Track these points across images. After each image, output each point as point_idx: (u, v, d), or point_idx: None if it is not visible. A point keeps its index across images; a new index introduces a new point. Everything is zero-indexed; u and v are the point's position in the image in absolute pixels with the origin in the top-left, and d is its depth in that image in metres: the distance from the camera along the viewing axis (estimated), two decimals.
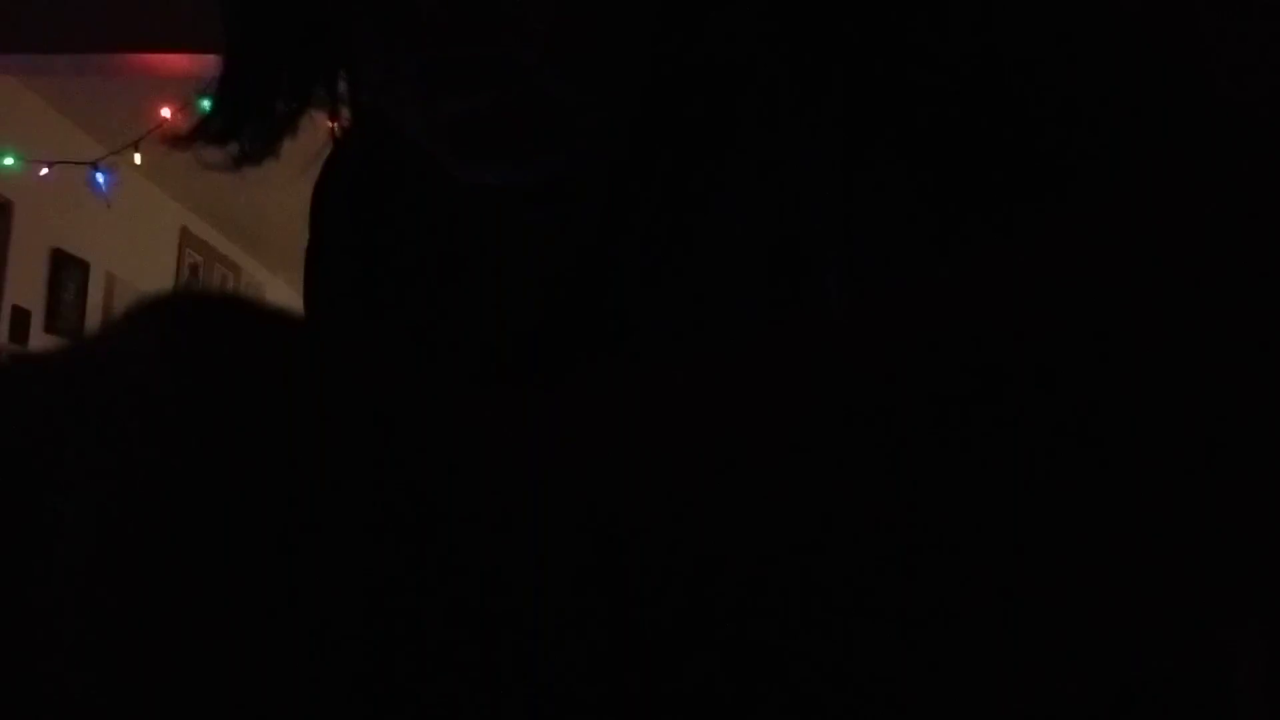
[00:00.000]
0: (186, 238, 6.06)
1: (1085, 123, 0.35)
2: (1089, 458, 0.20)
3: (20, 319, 4.67)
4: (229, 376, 0.17)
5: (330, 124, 0.56)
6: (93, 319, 5.09)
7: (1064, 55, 0.36)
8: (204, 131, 0.50)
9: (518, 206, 0.51)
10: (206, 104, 0.49)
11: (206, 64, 2.63)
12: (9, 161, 4.18)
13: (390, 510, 0.16)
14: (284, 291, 6.78)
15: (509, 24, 0.41)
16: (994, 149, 0.36)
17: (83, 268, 5.08)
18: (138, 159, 3.87)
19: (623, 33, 0.44)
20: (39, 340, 4.75)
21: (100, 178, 4.13)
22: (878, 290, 0.38)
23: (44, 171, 4.21)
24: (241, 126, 0.49)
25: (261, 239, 6.22)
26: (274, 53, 0.48)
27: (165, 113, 3.45)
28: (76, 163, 4.08)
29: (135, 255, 5.50)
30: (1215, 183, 0.25)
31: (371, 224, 0.58)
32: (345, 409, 0.17)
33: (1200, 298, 0.22)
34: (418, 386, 0.18)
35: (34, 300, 4.76)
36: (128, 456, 0.16)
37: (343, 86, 0.52)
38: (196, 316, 0.18)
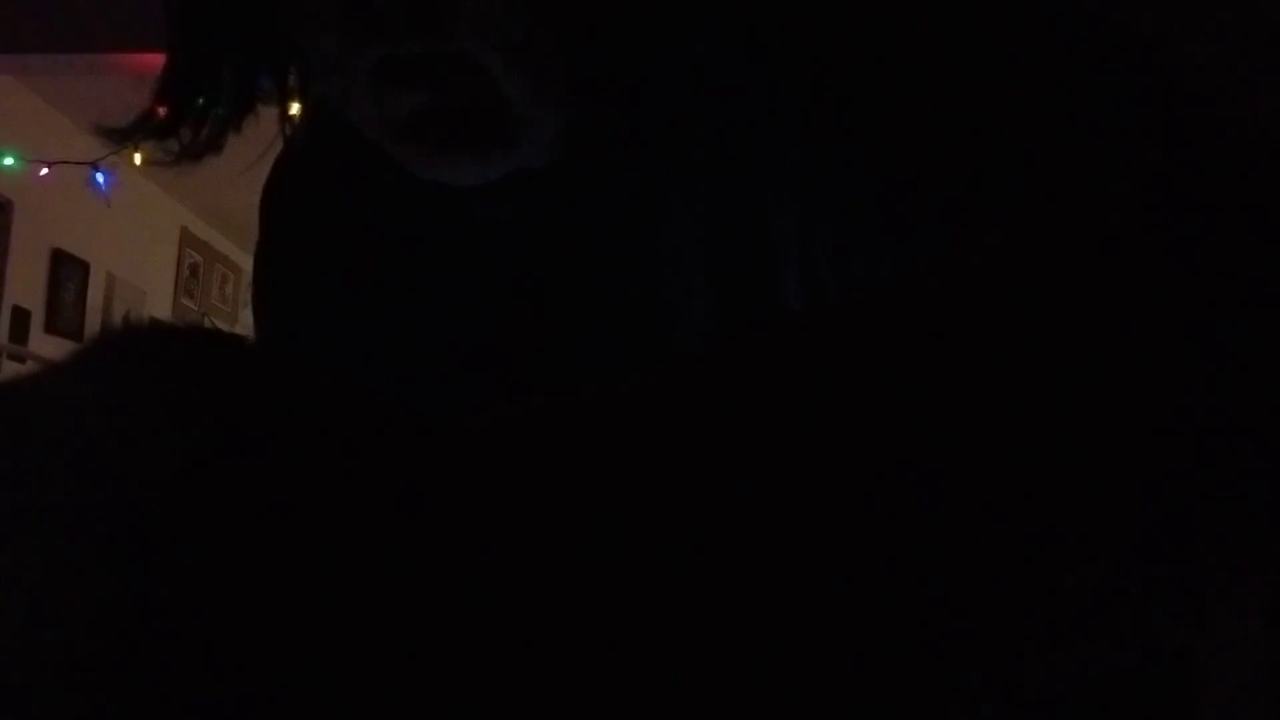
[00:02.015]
0: (186, 238, 6.05)
1: (1039, 128, 0.35)
2: (1066, 451, 0.21)
3: (20, 319, 4.66)
4: (177, 423, 0.16)
5: (280, 121, 0.55)
6: (93, 319, 5.08)
7: (1016, 61, 0.36)
8: (146, 125, 0.49)
9: (474, 205, 0.51)
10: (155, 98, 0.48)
11: None
12: (9, 161, 4.17)
13: (347, 553, 0.16)
14: None
15: (464, 19, 0.41)
16: (948, 151, 0.36)
17: (83, 268, 5.07)
18: (138, 159, 3.86)
19: (578, 30, 0.44)
20: (39, 340, 4.75)
21: (100, 178, 4.13)
22: (838, 293, 0.38)
23: (44, 171, 4.21)
24: (182, 120, 0.48)
25: None
26: (216, 45, 0.47)
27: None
28: (76, 163, 4.08)
29: (135, 255, 5.49)
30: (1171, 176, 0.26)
31: (323, 223, 0.57)
32: (293, 449, 0.17)
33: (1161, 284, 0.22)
34: (367, 421, 0.18)
35: (34, 300, 4.75)
36: (69, 510, 0.16)
37: (293, 81, 0.51)
38: (142, 360, 0.17)
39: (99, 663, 0.14)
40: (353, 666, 0.15)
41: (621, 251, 0.48)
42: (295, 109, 0.54)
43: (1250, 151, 0.28)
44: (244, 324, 6.64)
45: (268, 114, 0.51)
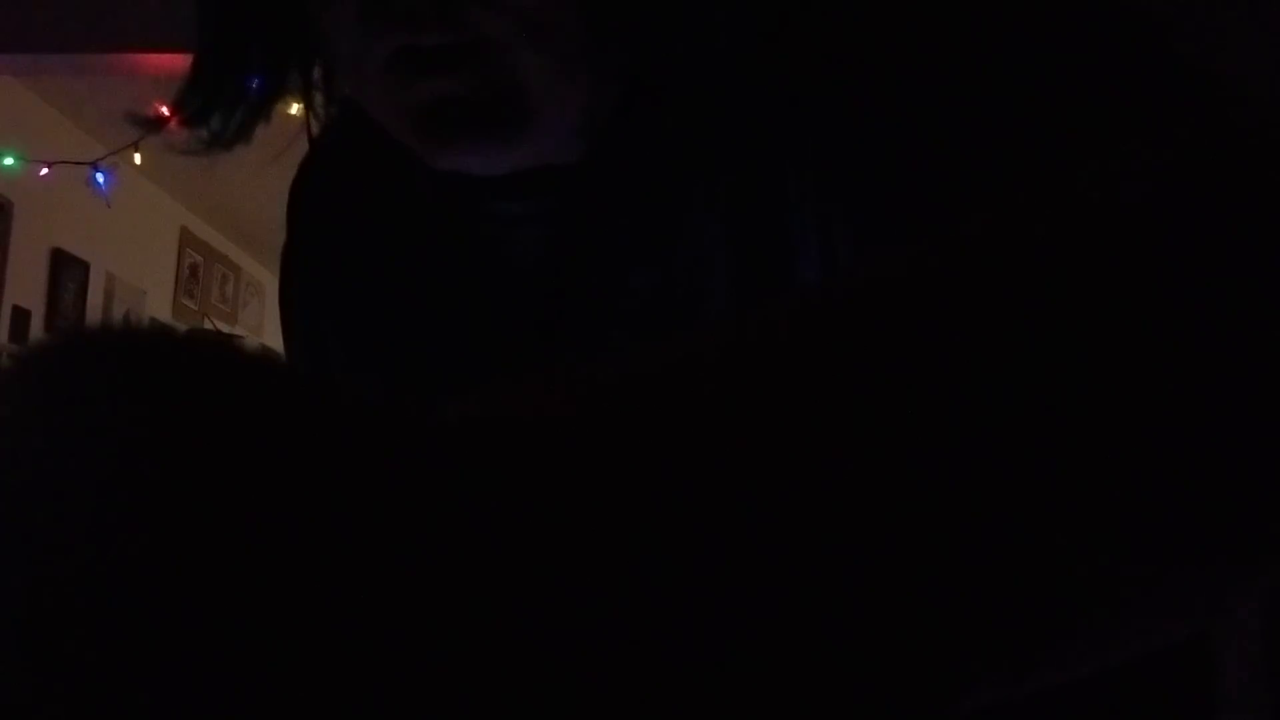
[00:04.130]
0: (186, 238, 6.05)
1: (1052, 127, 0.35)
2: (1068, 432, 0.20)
3: (20, 319, 4.66)
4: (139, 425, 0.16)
5: (305, 117, 0.56)
6: (93, 319, 5.07)
7: (1029, 54, 0.36)
8: (180, 112, 0.50)
9: (498, 200, 0.51)
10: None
11: None
12: (9, 161, 4.17)
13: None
14: None
15: (483, 6, 0.41)
16: (967, 141, 0.36)
17: (83, 268, 5.07)
18: (138, 159, 3.87)
19: (598, 19, 0.44)
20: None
21: (100, 178, 4.13)
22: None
23: (44, 171, 4.20)
24: (213, 109, 0.49)
25: (261, 239, 6.21)
26: (245, 34, 0.48)
27: (165, 112, 3.43)
28: (76, 163, 4.07)
29: (135, 255, 5.49)
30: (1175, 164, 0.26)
31: (348, 221, 0.58)
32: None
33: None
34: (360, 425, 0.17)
35: (34, 300, 4.75)
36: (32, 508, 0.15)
37: (318, 75, 0.52)
38: (108, 361, 0.17)
39: (90, 668, 0.14)
40: (348, 666, 0.15)
41: (643, 248, 0.48)
42: (303, 111, 0.55)
43: (1262, 138, 0.28)
44: (244, 324, 6.64)
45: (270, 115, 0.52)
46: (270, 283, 7.01)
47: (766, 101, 0.44)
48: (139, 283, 5.55)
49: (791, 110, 0.43)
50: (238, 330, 6.34)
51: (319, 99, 0.54)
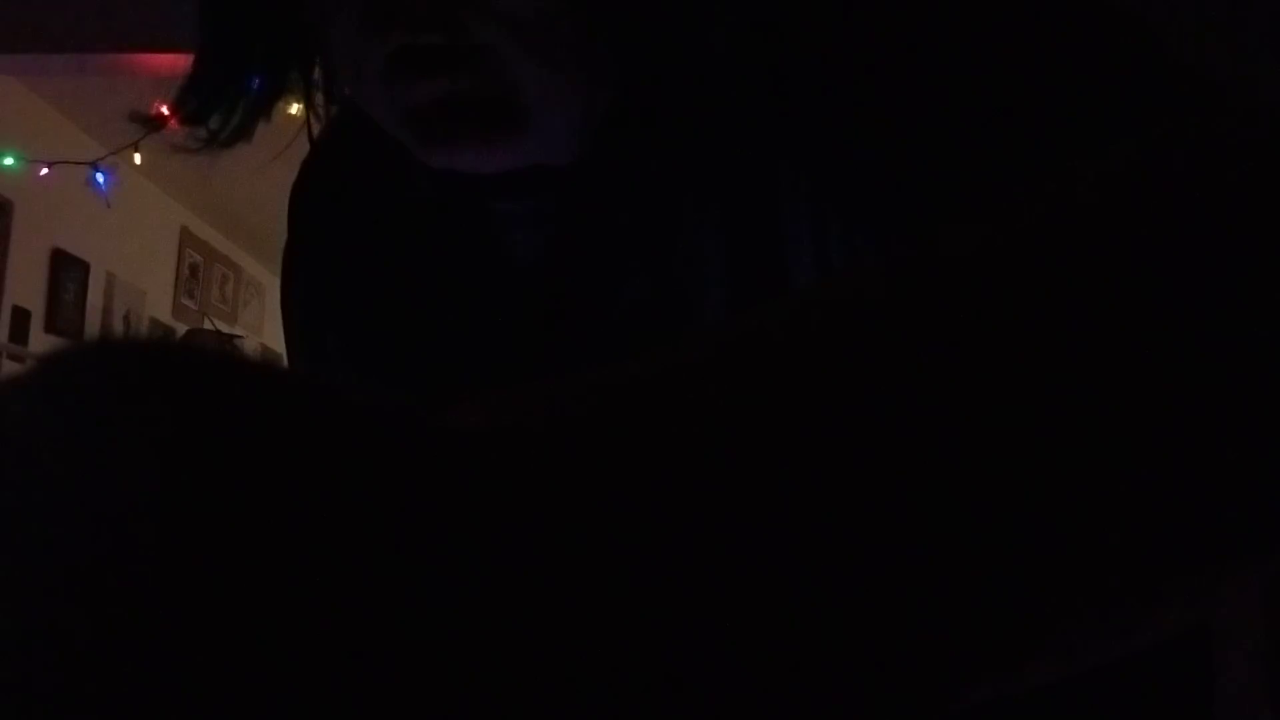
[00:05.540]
0: (186, 238, 6.05)
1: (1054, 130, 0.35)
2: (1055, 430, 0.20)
3: (20, 319, 4.66)
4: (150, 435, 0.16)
5: (306, 117, 0.56)
6: (93, 319, 5.08)
7: (1029, 63, 0.36)
8: (179, 111, 0.50)
9: (494, 200, 0.51)
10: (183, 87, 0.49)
11: None
12: (9, 161, 4.17)
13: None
14: None
15: (481, 11, 0.41)
16: (960, 144, 0.36)
17: (83, 268, 5.07)
18: (138, 159, 3.87)
19: (595, 23, 0.44)
20: (39, 340, 4.75)
21: (100, 178, 4.13)
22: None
23: (44, 171, 4.21)
24: (213, 107, 0.49)
25: (261, 239, 6.22)
26: (246, 33, 0.48)
27: (165, 111, 3.43)
28: (76, 163, 4.08)
29: (135, 255, 5.49)
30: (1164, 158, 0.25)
31: (348, 221, 0.58)
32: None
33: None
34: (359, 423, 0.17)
35: (34, 300, 4.75)
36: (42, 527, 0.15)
37: (318, 74, 0.52)
38: (104, 384, 0.17)
39: (99, 681, 0.14)
40: (351, 669, 0.15)
41: (638, 249, 0.48)
42: (303, 111, 0.55)
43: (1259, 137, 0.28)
44: (244, 324, 6.64)
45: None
46: (270, 283, 7.01)
47: (760, 106, 0.44)
48: (139, 283, 5.55)
49: (785, 114, 0.43)
50: (237, 330, 6.34)
51: (319, 98, 0.54)
